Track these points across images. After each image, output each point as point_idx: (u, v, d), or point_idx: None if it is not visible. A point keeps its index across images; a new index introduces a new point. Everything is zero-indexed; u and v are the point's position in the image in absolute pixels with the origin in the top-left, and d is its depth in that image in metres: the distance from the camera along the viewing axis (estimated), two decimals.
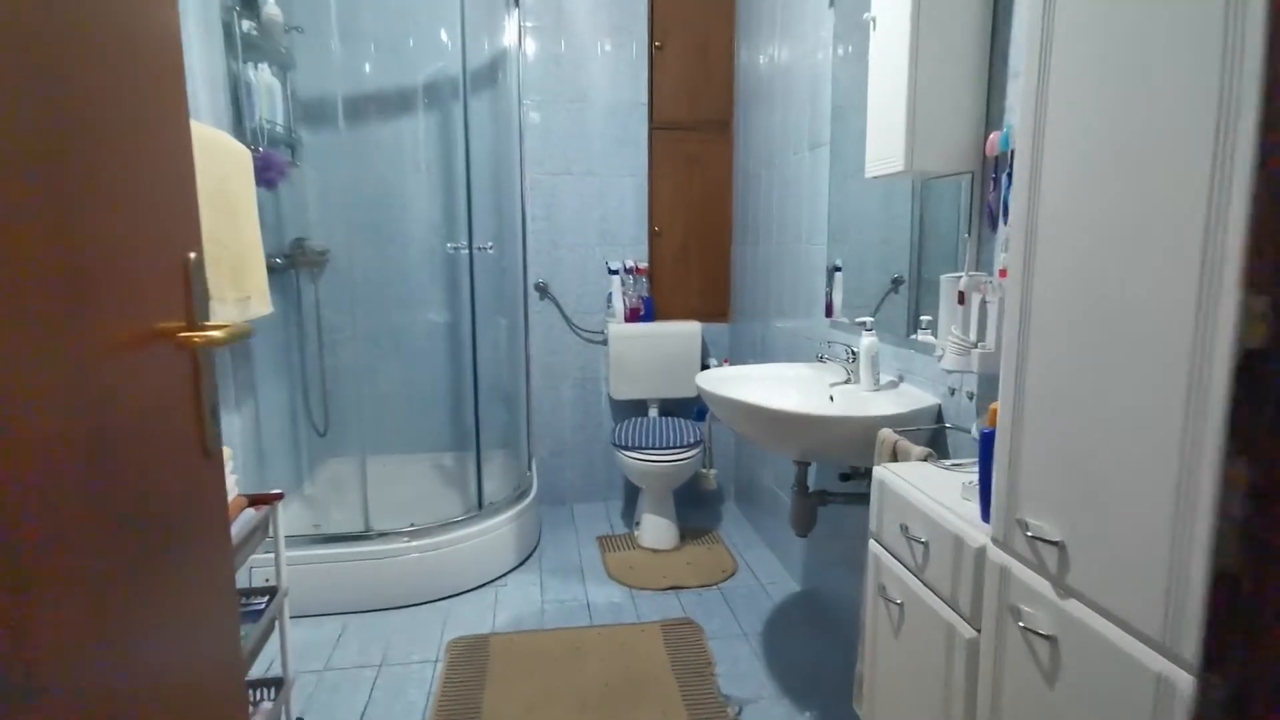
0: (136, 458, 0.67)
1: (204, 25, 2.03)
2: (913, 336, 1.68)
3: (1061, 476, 0.80)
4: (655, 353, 3.05)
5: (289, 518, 2.56)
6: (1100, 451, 0.74)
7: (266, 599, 1.65)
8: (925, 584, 1.07)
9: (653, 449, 2.64)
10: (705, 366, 3.20)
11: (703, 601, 2.39)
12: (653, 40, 3.03)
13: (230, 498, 1.46)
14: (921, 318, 1.67)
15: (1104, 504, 0.74)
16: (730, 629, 2.22)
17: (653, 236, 3.17)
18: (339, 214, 2.88)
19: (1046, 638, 0.80)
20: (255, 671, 1.84)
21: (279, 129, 2.44)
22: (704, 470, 3.06)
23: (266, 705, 1.66)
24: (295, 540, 2.30)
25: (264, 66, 2.35)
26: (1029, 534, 0.83)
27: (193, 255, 0.81)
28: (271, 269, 2.53)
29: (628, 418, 3.05)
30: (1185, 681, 0.64)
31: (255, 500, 1.58)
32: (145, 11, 0.73)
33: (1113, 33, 0.73)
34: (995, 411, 0.93)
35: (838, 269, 2.13)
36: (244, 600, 1.65)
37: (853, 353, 1.80)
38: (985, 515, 0.96)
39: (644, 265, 3.14)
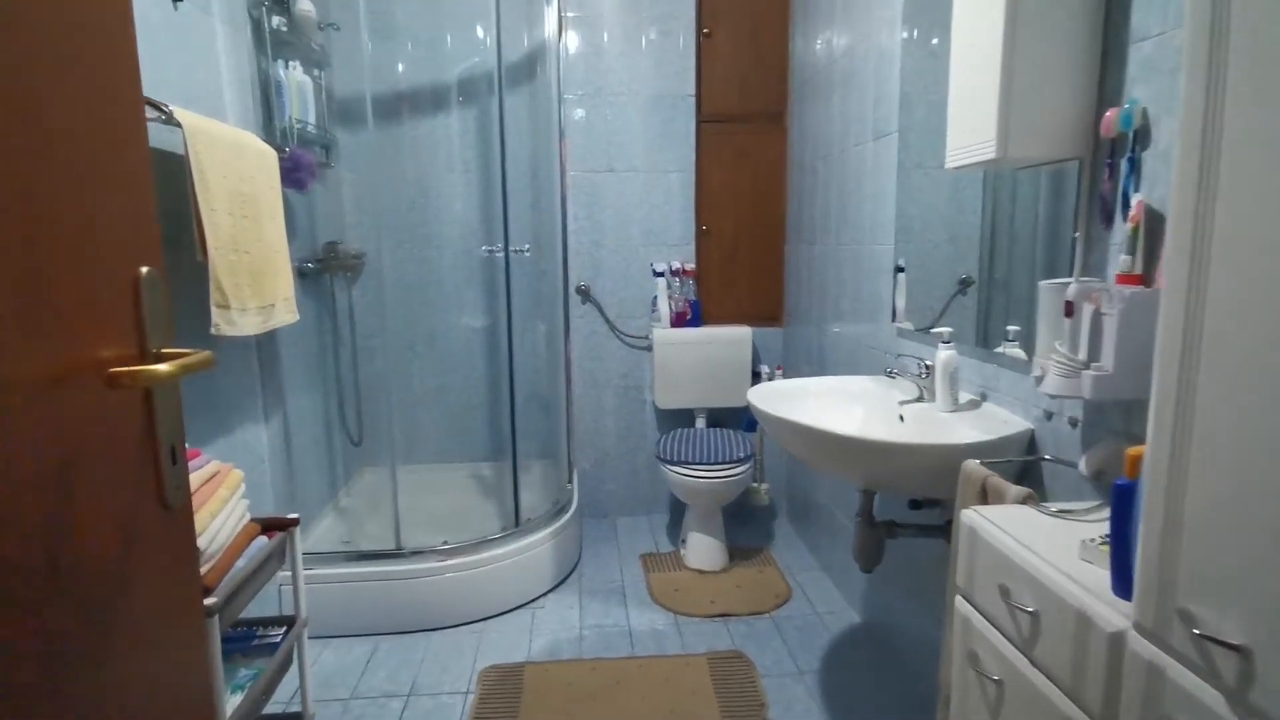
0: (56, 519, 0.54)
1: (231, 22, 1.94)
2: (998, 350, 1.47)
3: (1246, 554, 0.60)
4: (702, 359, 2.87)
5: (320, 533, 2.48)
6: None
7: (284, 629, 1.54)
8: (1035, 664, 0.88)
9: (700, 464, 2.47)
10: (756, 374, 3.01)
11: (753, 632, 2.21)
12: (700, 28, 2.85)
13: (241, 524, 1.35)
14: (1009, 328, 1.46)
15: None
16: (784, 665, 2.03)
17: (700, 236, 2.99)
18: (373, 216, 2.79)
19: None
20: (274, 706, 1.74)
21: (311, 129, 2.34)
22: (754, 485, 2.87)
23: None
24: (324, 557, 2.20)
25: (295, 64, 2.26)
26: (1196, 630, 0.63)
27: (145, 270, 0.67)
28: (303, 274, 2.45)
29: (673, 428, 2.88)
30: None
31: (269, 526, 1.46)
32: None
33: None
34: (1136, 458, 0.73)
35: (900, 269, 1.93)
36: (260, 631, 1.54)
37: (926, 366, 1.60)
38: (1122, 590, 0.76)
39: (691, 266, 2.96)
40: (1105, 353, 1.03)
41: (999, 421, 1.38)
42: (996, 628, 0.96)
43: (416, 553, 2.23)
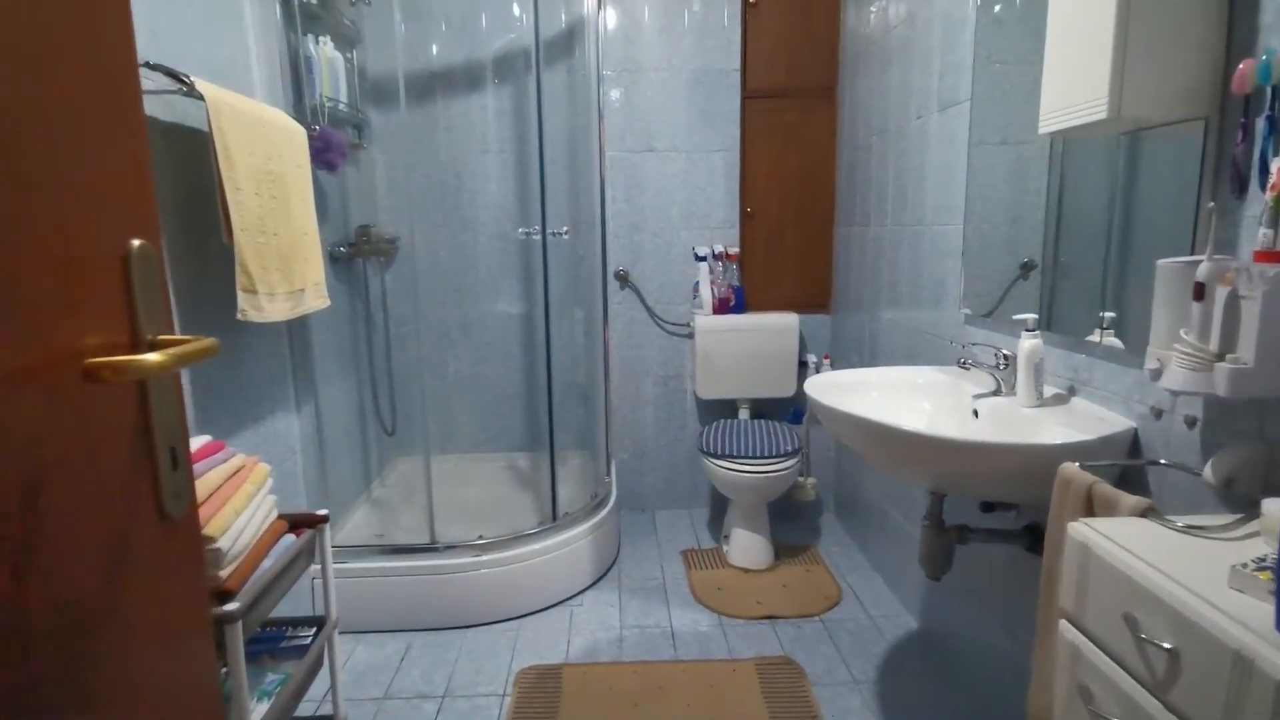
0: (26, 545, 0.45)
1: None
2: (1089, 338, 1.32)
3: None
4: (746, 348, 2.74)
5: (353, 525, 2.43)
6: None
7: (314, 630, 1.47)
8: (1172, 710, 0.74)
9: (746, 458, 2.34)
10: (803, 363, 2.87)
11: (802, 636, 2.09)
12: None
13: (268, 522, 1.27)
14: (1103, 314, 1.30)
15: None
16: (837, 673, 1.90)
17: (744, 218, 2.85)
18: (406, 199, 2.70)
19: None
20: (305, 706, 1.68)
21: (342, 108, 2.26)
22: (801, 479, 2.74)
23: None
24: (358, 551, 2.14)
25: (326, 40, 2.18)
26: None
27: (136, 244, 0.57)
28: (335, 258, 2.38)
29: (715, 419, 2.76)
30: None
31: (298, 523, 1.39)
32: None
33: None
34: None
35: None
36: (289, 631, 1.47)
37: (1005, 357, 1.45)
38: None
39: (734, 250, 2.83)
40: (1244, 342, 0.88)
41: (1094, 419, 1.23)
42: (1119, 663, 0.82)
43: (451, 547, 2.15)
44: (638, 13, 2.69)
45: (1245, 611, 0.69)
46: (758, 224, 2.86)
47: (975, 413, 1.47)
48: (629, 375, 2.93)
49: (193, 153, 1.49)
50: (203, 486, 1.13)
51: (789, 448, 2.39)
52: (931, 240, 1.98)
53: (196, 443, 1.21)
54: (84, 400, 0.51)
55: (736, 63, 2.73)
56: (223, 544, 1.10)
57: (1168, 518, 0.90)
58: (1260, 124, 0.95)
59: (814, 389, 1.54)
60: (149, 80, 1.33)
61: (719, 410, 2.93)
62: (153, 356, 0.51)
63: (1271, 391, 0.87)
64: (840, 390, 1.60)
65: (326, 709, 1.76)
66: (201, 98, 1.35)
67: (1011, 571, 1.59)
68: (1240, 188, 0.98)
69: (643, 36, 2.70)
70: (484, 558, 2.15)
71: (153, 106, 1.37)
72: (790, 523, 2.86)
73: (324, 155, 2.02)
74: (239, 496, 1.19)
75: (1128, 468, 1.16)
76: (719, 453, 2.39)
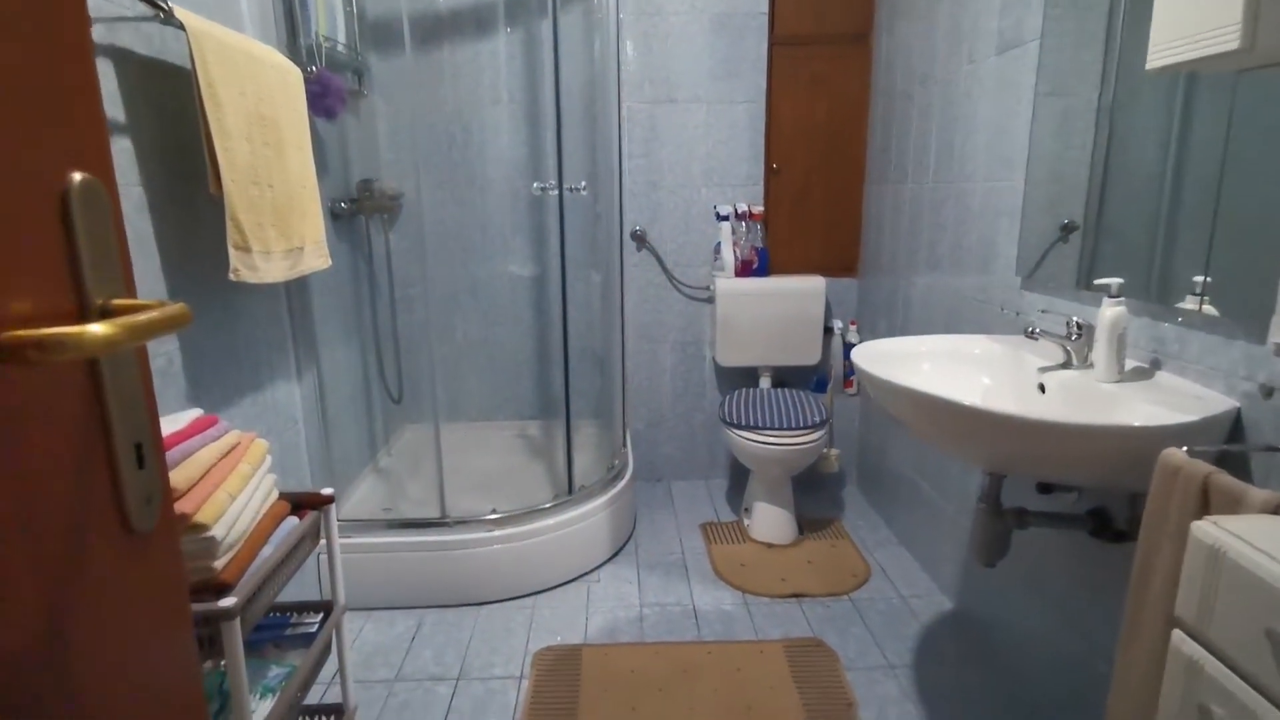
0: None
1: None
2: (1181, 305, 1.18)
3: None
4: (770, 313, 2.60)
5: (359, 498, 2.32)
6: None
7: (321, 616, 1.37)
8: None
9: (771, 429, 2.23)
10: (828, 330, 2.73)
11: (832, 616, 2.00)
12: None
13: (267, 503, 1.15)
14: (1195, 279, 1.16)
15: None
16: (871, 657, 1.81)
17: (769, 175, 2.69)
18: (411, 152, 2.53)
19: None
20: (314, 695, 1.59)
21: (341, 49, 2.09)
22: (825, 451, 2.63)
23: None
24: (364, 525, 2.04)
25: None
26: None
27: (78, 178, 0.44)
28: (336, 215, 2.23)
29: (736, 388, 2.64)
30: None
31: (301, 503, 1.27)
32: None
33: None
34: None
35: None
36: (294, 618, 1.37)
37: (1078, 326, 1.31)
38: None
39: (759, 210, 2.67)
40: None
41: (1189, 397, 1.10)
42: (1252, 684, 0.71)
43: (462, 522, 2.05)
44: None
45: None
46: (783, 181, 2.69)
47: (1041, 387, 1.34)
48: (644, 341, 2.80)
49: (176, 93, 1.33)
50: (193, 467, 1.01)
51: (817, 418, 2.27)
52: (981, 198, 1.82)
53: (186, 417, 1.09)
54: (8, 386, 0.38)
55: (764, 4, 2.54)
56: (216, 532, 0.99)
57: None
58: None
59: (862, 359, 1.41)
60: (118, 3, 1.17)
61: (739, 378, 2.81)
62: (97, 328, 0.38)
63: None
64: (889, 361, 1.47)
65: (334, 692, 1.68)
66: (181, 26, 1.19)
67: (1071, 558, 1.48)
68: None
69: None
70: (497, 533, 2.05)
71: (127, 36, 1.21)
72: (812, 495, 2.76)
73: (322, 101, 1.85)
74: (234, 478, 1.07)
75: (1230, 453, 1.03)
76: (742, 423, 2.27)
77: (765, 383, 2.70)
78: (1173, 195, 1.24)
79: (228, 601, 0.97)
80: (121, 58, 1.20)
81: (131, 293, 0.48)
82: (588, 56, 2.55)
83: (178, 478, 0.97)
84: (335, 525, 1.32)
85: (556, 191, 2.10)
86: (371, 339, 2.56)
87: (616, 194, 2.51)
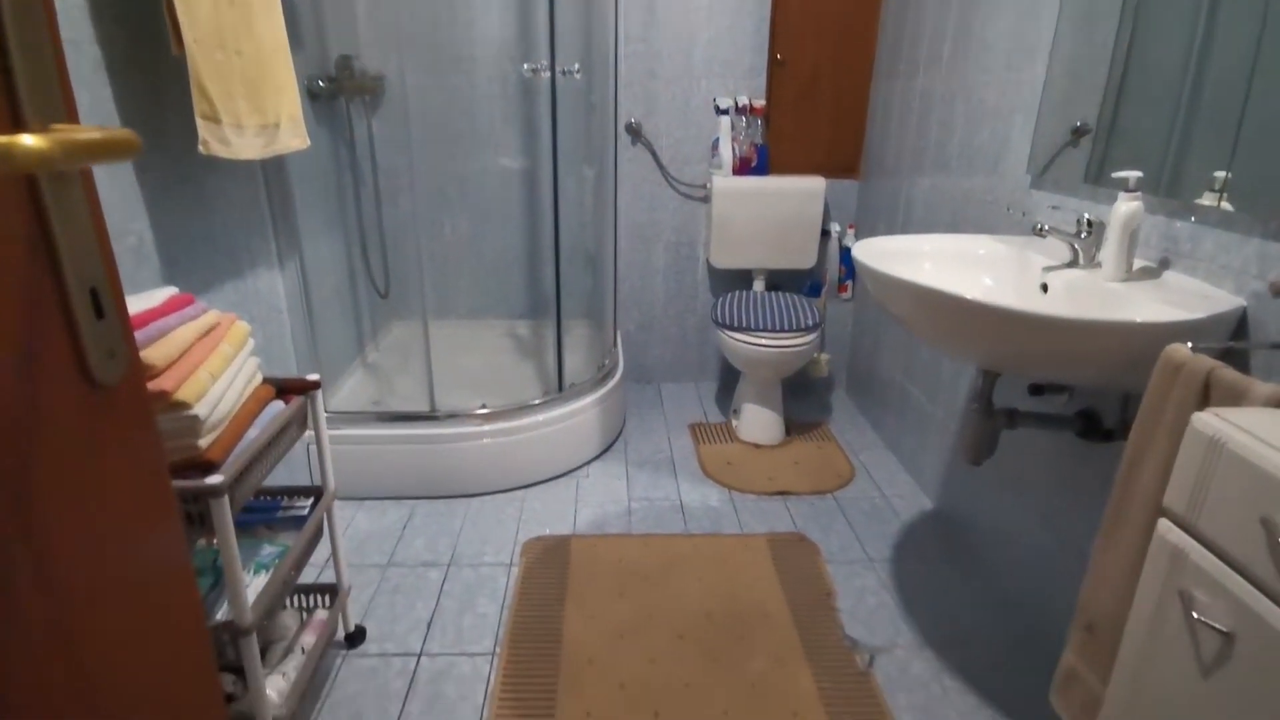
0: None
1: None
2: (1198, 201, 1.14)
3: None
4: (767, 213, 2.53)
5: (348, 391, 2.31)
6: None
7: (312, 500, 1.38)
8: None
9: (764, 331, 2.20)
10: (825, 233, 2.67)
11: (815, 513, 2.04)
12: None
13: (251, 386, 1.13)
14: (1216, 174, 1.12)
15: None
16: (851, 551, 1.87)
17: (773, 67, 2.54)
18: (392, 28, 2.37)
19: None
20: (307, 575, 1.62)
21: None
22: (815, 355, 2.62)
23: (321, 614, 1.43)
24: (354, 418, 2.03)
25: None
26: None
27: None
28: (314, 95, 2.11)
29: (729, 290, 2.60)
30: None
31: (287, 388, 1.25)
32: None
33: None
34: None
35: None
36: (285, 501, 1.38)
37: (1089, 223, 1.27)
38: None
39: (760, 104, 2.54)
40: None
41: (1196, 296, 1.08)
42: (1242, 573, 0.72)
43: (452, 416, 2.05)
44: None
45: None
46: (788, 74, 2.56)
47: (1044, 287, 1.31)
48: (637, 240, 2.73)
49: None
50: (171, 345, 0.97)
51: (809, 321, 2.24)
52: (999, 90, 1.73)
53: (160, 295, 1.04)
54: None
55: None
56: (199, 410, 0.96)
57: None
58: None
59: (863, 254, 1.37)
60: None
61: (733, 281, 2.76)
62: (29, 139, 0.33)
63: None
64: (890, 258, 1.43)
65: (328, 575, 1.71)
66: None
67: (1054, 459, 1.50)
68: None
69: None
70: (486, 427, 2.05)
71: None
72: (801, 400, 2.78)
73: None
74: (215, 358, 1.04)
75: (1235, 351, 1.02)
76: (734, 325, 2.24)
77: (759, 286, 2.66)
78: (1193, 92, 1.18)
79: (215, 479, 0.96)
80: None
81: (74, 120, 0.43)
82: None
83: (155, 354, 0.94)
84: (322, 410, 1.30)
85: (548, 73, 1.98)
86: (356, 231, 2.48)
87: (612, 83, 2.38)
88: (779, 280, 2.73)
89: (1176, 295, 1.09)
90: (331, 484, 1.38)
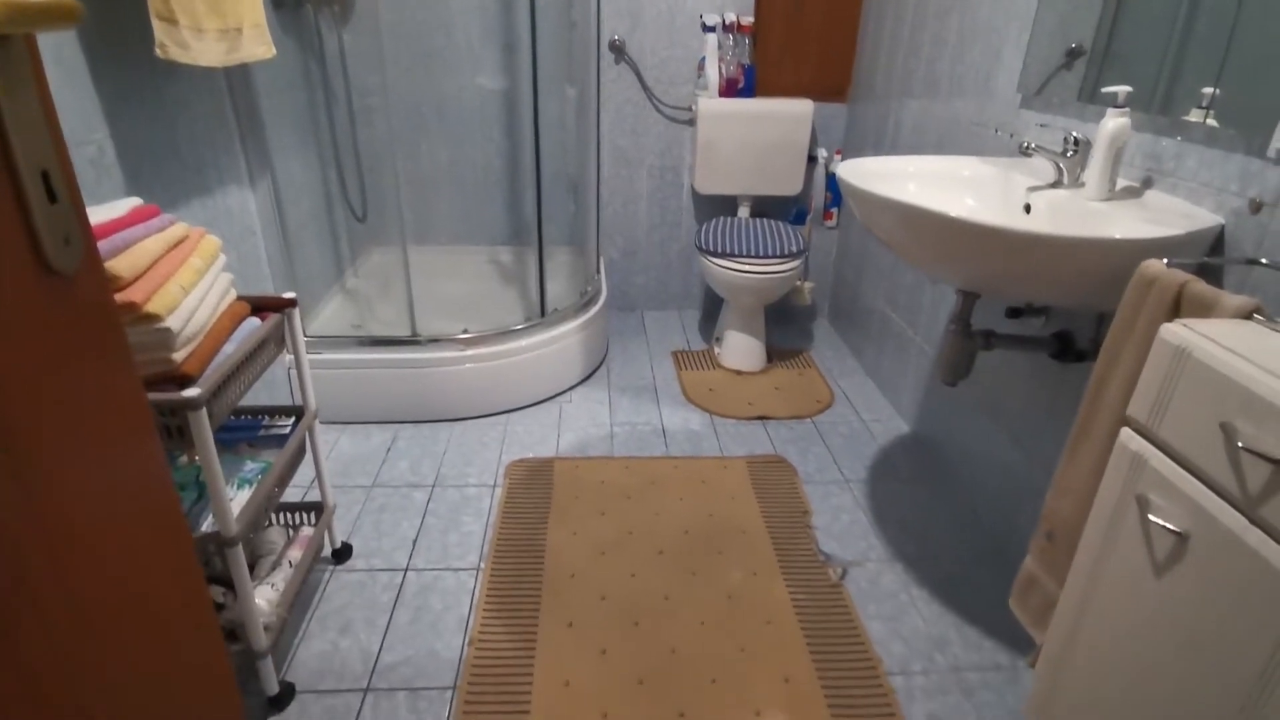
0: None
1: None
2: (1185, 118, 1.12)
3: None
4: (753, 137, 2.47)
5: (328, 315, 2.29)
6: None
7: (293, 420, 1.38)
8: (1259, 525, 0.67)
9: (748, 256, 2.19)
10: (812, 158, 2.63)
11: (795, 437, 2.08)
12: None
13: (225, 302, 1.11)
14: (1204, 90, 1.10)
15: None
16: (828, 473, 1.91)
17: None
18: None
19: None
20: (292, 495, 1.64)
21: None
22: (799, 283, 2.62)
23: (307, 530, 1.45)
24: (334, 342, 2.02)
25: None
26: None
27: None
28: (278, 2, 2.00)
29: (714, 217, 2.57)
30: None
31: (262, 306, 1.23)
32: None
33: None
34: None
35: None
36: (267, 420, 1.38)
37: (1075, 141, 1.26)
38: None
39: (748, 21, 2.45)
40: None
41: (1175, 214, 1.08)
42: (1197, 475, 0.74)
43: (435, 341, 2.04)
44: None
45: None
46: None
47: (1027, 207, 1.31)
48: (621, 165, 2.67)
49: None
50: (139, 256, 0.95)
51: (793, 248, 2.23)
52: (990, 6, 1.68)
53: (123, 205, 1.01)
54: None
55: None
56: (171, 323, 0.95)
57: (1276, 320, 0.78)
58: None
59: (847, 174, 1.35)
60: None
61: (717, 207, 2.73)
62: None
63: None
64: (874, 178, 1.41)
65: (313, 495, 1.74)
66: None
67: (1027, 381, 1.53)
68: None
69: None
70: (469, 352, 2.05)
71: None
72: (784, 327, 2.79)
73: None
74: (186, 271, 1.02)
75: (1209, 267, 1.03)
76: (718, 251, 2.23)
77: (744, 212, 2.63)
78: (1190, 7, 1.15)
79: (192, 391, 0.95)
80: None
81: None
82: None
83: (121, 265, 0.92)
84: (300, 329, 1.29)
85: None
86: (331, 152, 2.41)
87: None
88: (764, 207, 2.69)
89: (1156, 214, 1.09)
90: (313, 403, 1.38)
